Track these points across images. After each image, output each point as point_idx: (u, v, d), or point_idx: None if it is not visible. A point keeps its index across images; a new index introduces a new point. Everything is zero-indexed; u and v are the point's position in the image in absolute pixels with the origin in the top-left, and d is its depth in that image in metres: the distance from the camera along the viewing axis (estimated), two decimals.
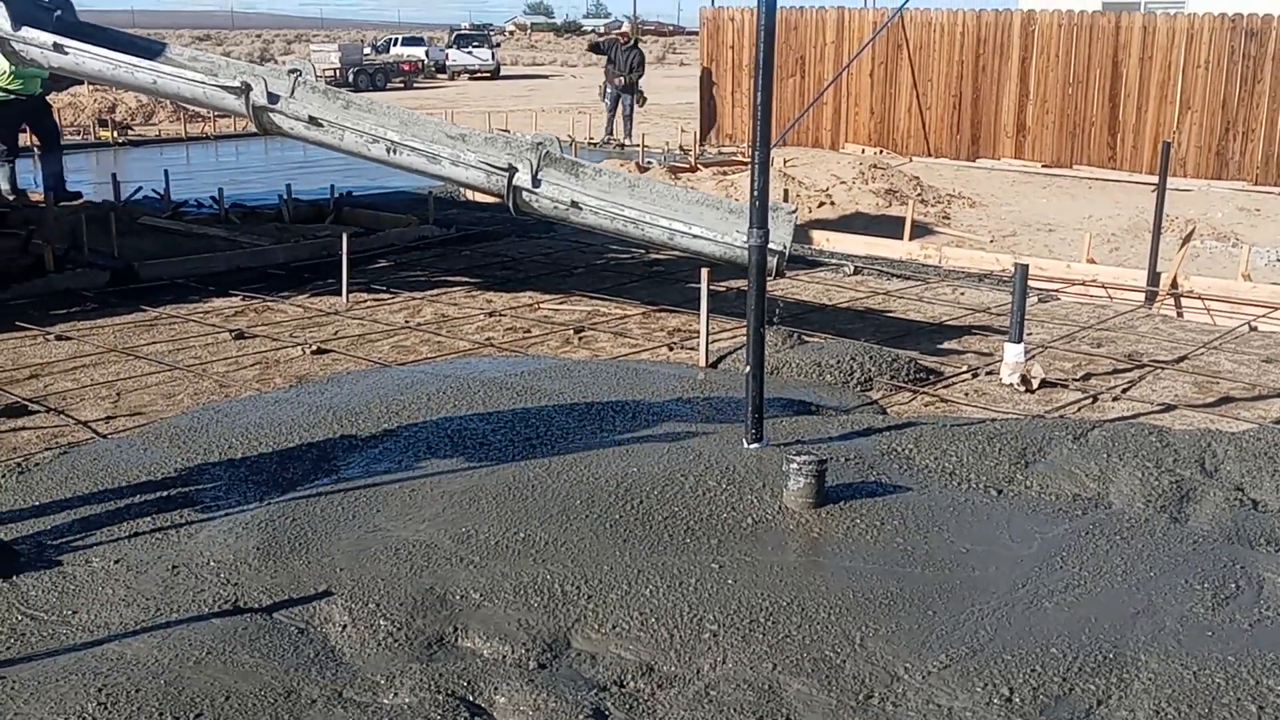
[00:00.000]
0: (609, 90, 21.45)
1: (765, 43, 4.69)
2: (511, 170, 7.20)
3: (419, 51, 50.72)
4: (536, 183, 7.22)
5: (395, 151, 7.36)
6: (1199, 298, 8.91)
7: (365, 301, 8.57)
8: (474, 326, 7.89)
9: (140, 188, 12.94)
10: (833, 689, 3.35)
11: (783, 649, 3.55)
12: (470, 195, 13.39)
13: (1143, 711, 3.23)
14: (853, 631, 3.63)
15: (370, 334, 7.64)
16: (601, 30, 27.91)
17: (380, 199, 13.48)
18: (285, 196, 12.00)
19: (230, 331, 7.57)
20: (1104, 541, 4.29)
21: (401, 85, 43.40)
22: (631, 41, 21.88)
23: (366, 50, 49.27)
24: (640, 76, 21.46)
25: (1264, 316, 8.40)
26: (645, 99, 22.05)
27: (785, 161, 16.90)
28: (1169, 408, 6.20)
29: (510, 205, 7.37)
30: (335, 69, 40.99)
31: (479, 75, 50.06)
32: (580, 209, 7.23)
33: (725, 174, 15.74)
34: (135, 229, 10.68)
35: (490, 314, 8.21)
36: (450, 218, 12.24)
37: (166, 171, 13.04)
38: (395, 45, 52.31)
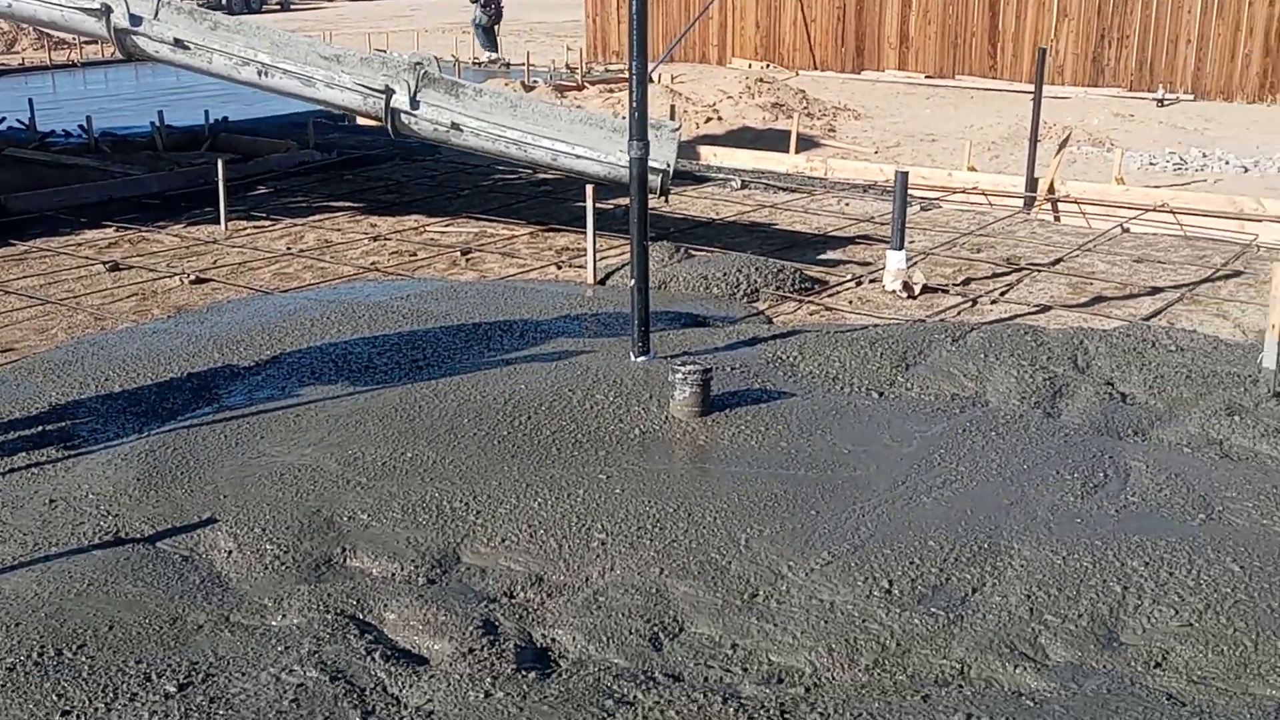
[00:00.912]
0: (490, 8, 20.63)
1: None
2: (389, 92, 7.03)
3: None
4: (415, 104, 7.07)
5: (266, 74, 7.14)
6: (1075, 202, 9.13)
7: (245, 229, 8.36)
8: (358, 251, 7.76)
9: (4, 118, 12.37)
10: (719, 589, 3.43)
11: (670, 554, 3.61)
12: (353, 119, 13.07)
13: (1015, 596, 3.37)
14: (738, 534, 3.71)
15: (251, 262, 7.47)
16: None
17: (259, 125, 13.09)
18: (158, 124, 11.59)
19: (104, 263, 7.33)
20: (980, 438, 4.42)
21: (278, 7, 41.87)
22: None
23: None
24: None
25: (1135, 218, 8.65)
26: (497, 14, 20.96)
27: (673, 78, 16.81)
28: (1045, 308, 6.38)
29: (389, 128, 7.21)
30: None
31: None
32: (461, 131, 7.11)
33: (612, 91, 15.61)
34: (0, 161, 10.24)
35: (375, 238, 8.07)
36: (332, 142, 11.96)
37: (31, 101, 12.49)
38: None
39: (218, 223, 8.31)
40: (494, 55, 20.53)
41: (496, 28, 20.74)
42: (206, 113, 12.12)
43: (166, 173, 10.04)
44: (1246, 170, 11.08)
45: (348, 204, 9.22)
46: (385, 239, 8.05)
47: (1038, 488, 4.01)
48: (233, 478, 4.09)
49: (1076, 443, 4.40)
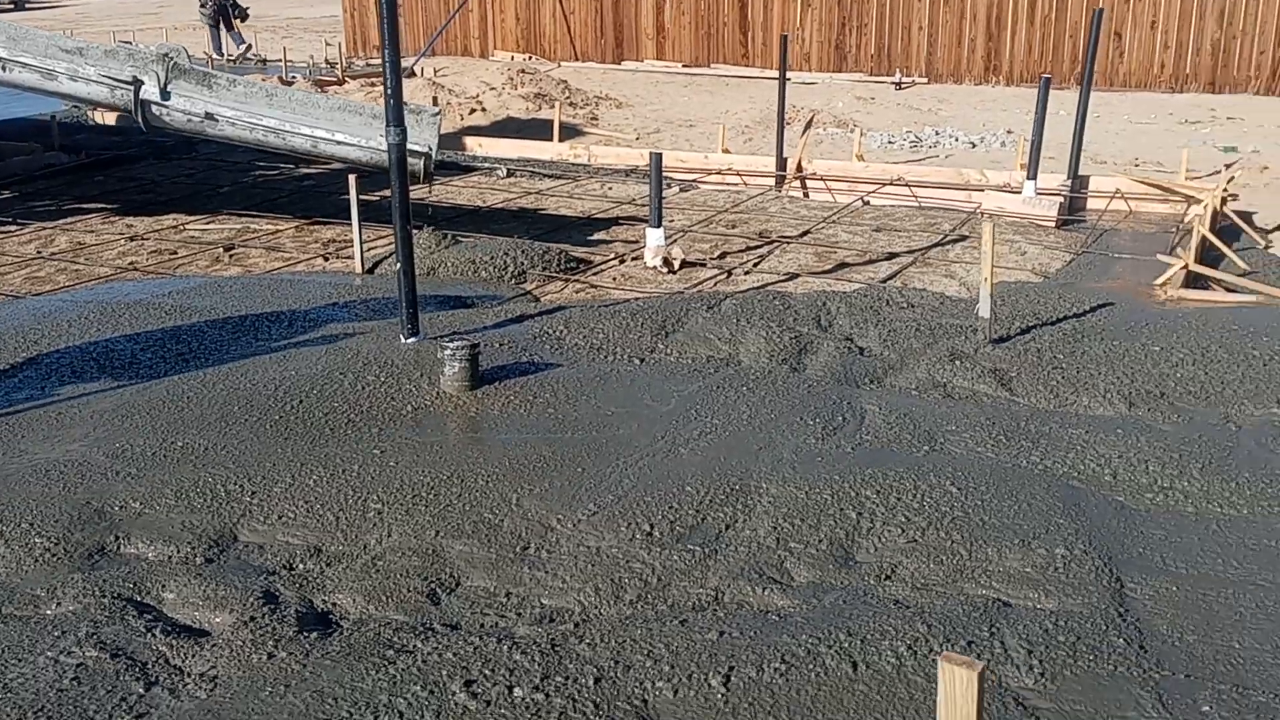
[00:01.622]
0: (208, 6, 19.41)
1: None
2: (137, 83, 6.88)
3: None
4: (166, 95, 6.94)
5: (5, 69, 6.87)
6: (821, 179, 9.70)
7: None
8: (115, 252, 7.55)
9: None
10: (492, 545, 3.62)
11: (445, 517, 3.77)
12: (100, 118, 12.57)
13: (764, 528, 3.69)
14: (509, 494, 3.90)
15: None
16: None
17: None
18: None
19: None
20: (732, 393, 4.76)
21: (11, 6, 39.46)
22: None
23: None
24: None
25: (875, 192, 9.28)
26: (245, 11, 20.13)
27: (435, 71, 16.79)
28: (793, 276, 6.82)
29: (140, 121, 7.05)
30: None
31: None
32: (217, 120, 7.03)
33: (374, 85, 15.46)
34: None
35: (131, 239, 7.86)
36: (79, 143, 11.47)
37: None
38: None
39: None
40: (243, 49, 19.87)
41: (236, 23, 19.76)
42: None
43: None
44: (974, 145, 11.98)
45: (101, 205, 8.92)
46: (143, 239, 7.86)
47: (784, 433, 4.36)
48: None
49: (819, 392, 4.79)
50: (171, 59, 6.98)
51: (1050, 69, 16.22)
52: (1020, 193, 8.61)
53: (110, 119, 12.25)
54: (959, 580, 3.40)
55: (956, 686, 1.53)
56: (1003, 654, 2.98)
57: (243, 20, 19.78)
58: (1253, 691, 2.86)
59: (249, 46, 19.70)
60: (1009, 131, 12.47)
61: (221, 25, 19.33)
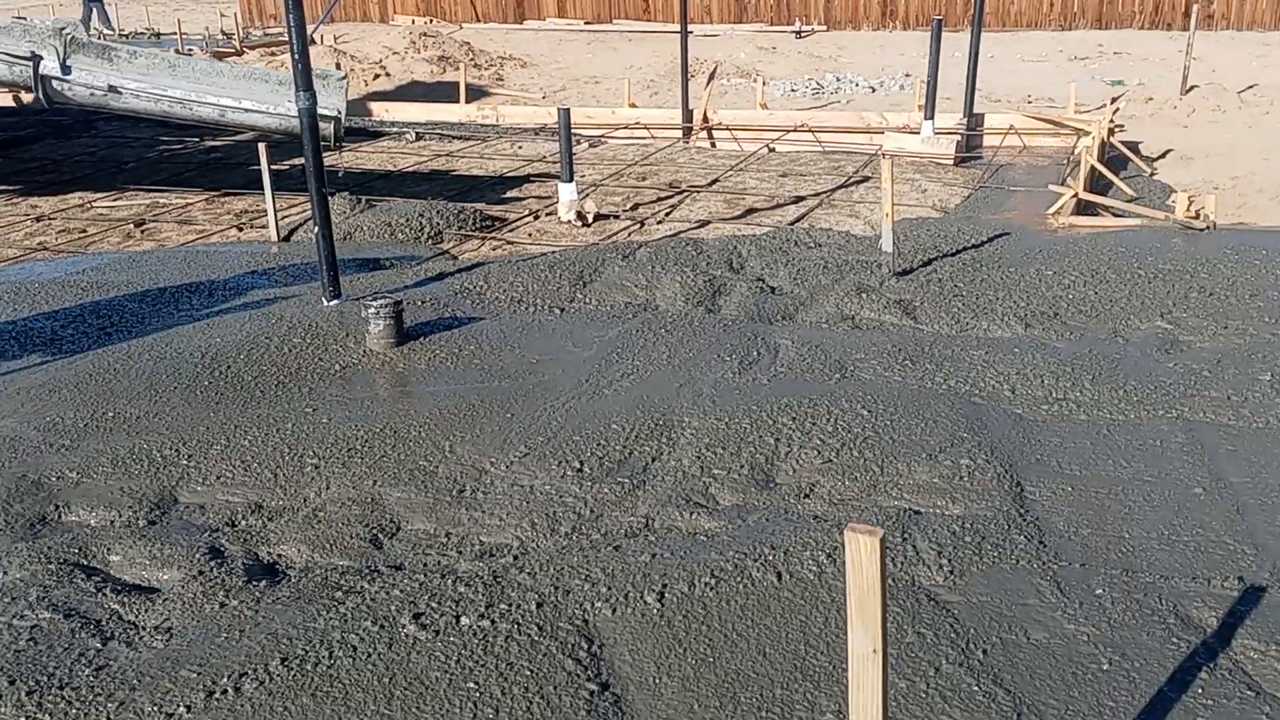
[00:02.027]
0: None
1: None
2: (36, 59, 6.81)
3: None
4: (67, 70, 6.87)
5: None
6: (727, 129, 9.88)
7: None
8: (21, 233, 7.47)
9: None
10: (429, 490, 3.76)
11: (381, 467, 3.90)
12: None
13: (688, 458, 3.87)
14: (442, 442, 4.04)
15: None
16: None
17: None
18: None
19: None
20: (651, 336, 4.93)
21: None
22: None
23: None
24: None
25: (780, 139, 9.48)
26: None
27: (336, 38, 16.63)
28: (704, 223, 7.00)
29: (41, 97, 6.98)
30: None
31: None
32: (120, 93, 6.98)
33: (274, 55, 15.31)
34: None
35: (38, 219, 7.77)
36: None
37: None
38: None
39: None
40: (105, 29, 19.16)
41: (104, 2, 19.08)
42: None
43: None
44: (874, 90, 12.25)
45: (2, 187, 8.78)
46: (49, 219, 7.77)
47: (702, 370, 4.55)
48: None
49: (734, 330, 4.98)
50: (69, 33, 6.91)
51: (944, 12, 16.57)
52: (919, 133, 8.87)
53: (5, 99, 11.99)
54: (873, 494, 3.62)
55: (862, 553, 1.71)
56: (915, 557, 3.21)
57: None
58: (1140, 574, 3.12)
59: (114, 32, 19.06)
60: (907, 75, 12.76)
61: (91, 3, 18.62)
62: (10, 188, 8.76)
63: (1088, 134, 8.45)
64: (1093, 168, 7.27)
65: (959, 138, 8.82)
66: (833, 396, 4.23)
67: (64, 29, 6.92)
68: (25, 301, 5.69)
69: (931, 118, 8.81)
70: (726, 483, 3.72)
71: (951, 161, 8.49)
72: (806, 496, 3.64)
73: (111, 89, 6.93)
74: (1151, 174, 7.94)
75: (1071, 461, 3.76)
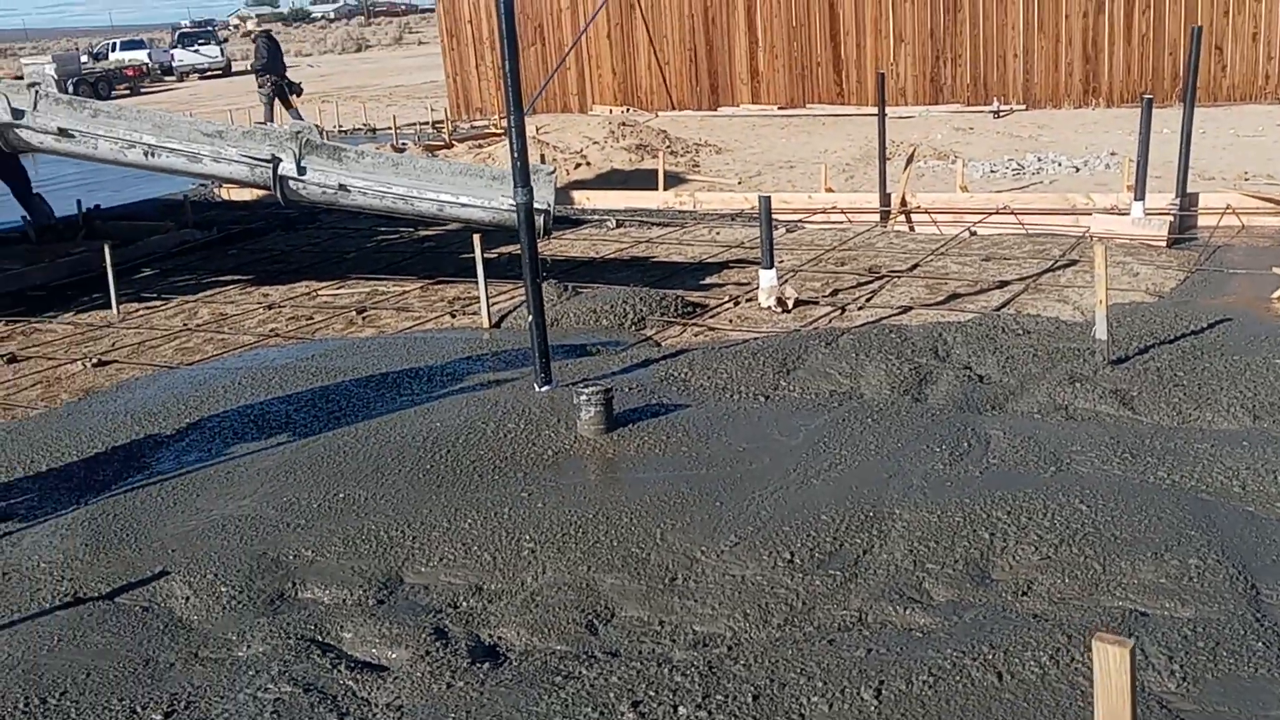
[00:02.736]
0: (266, 86, 19.36)
1: (505, 10, 5.08)
2: (275, 161, 7.35)
3: (141, 55, 48.53)
4: (302, 170, 7.39)
5: (153, 154, 7.39)
6: (925, 212, 9.82)
7: (138, 311, 8.53)
8: (255, 320, 8.00)
9: None
10: (642, 577, 3.83)
11: (594, 553, 4.00)
12: (227, 194, 13.24)
13: (899, 551, 3.84)
14: (653, 529, 4.12)
15: (150, 340, 7.66)
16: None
17: (132, 210, 13.16)
18: (28, 218, 11.61)
19: (1, 357, 7.45)
20: (858, 425, 4.92)
21: (128, 91, 41.54)
22: (261, 33, 20.07)
23: (84, 59, 46.83)
24: (268, 66, 19.28)
25: (981, 222, 9.37)
26: (299, 87, 20.05)
27: (538, 129, 17.28)
28: (906, 309, 6.96)
29: (279, 195, 7.51)
30: (55, 81, 38.85)
31: (210, 74, 48.33)
32: (349, 191, 7.46)
33: (481, 147, 16.02)
34: None
35: (269, 307, 8.32)
36: (210, 219, 12.11)
37: None
38: (114, 51, 49.95)
39: (109, 307, 8.45)
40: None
41: (294, 99, 19.69)
42: (79, 202, 12.15)
43: (47, 264, 10.10)
44: (1078, 170, 11.97)
45: (237, 277, 9.44)
46: (279, 306, 8.31)
47: (911, 461, 4.51)
48: (177, 534, 4.36)
49: (942, 420, 4.92)
50: (304, 136, 7.44)
51: (1150, 88, 16.10)
52: (1128, 214, 8.63)
53: (238, 194, 12.91)
54: (1095, 593, 3.51)
55: (1111, 663, 1.69)
56: (1144, 660, 3.09)
57: (298, 95, 20.01)
58: None
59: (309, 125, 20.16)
60: (1112, 153, 12.43)
61: (278, 102, 19.46)
62: (244, 277, 9.41)
63: None
64: None
65: (1171, 218, 8.54)
66: (1049, 490, 4.13)
67: (300, 132, 7.47)
68: (261, 386, 6.08)
69: (1142, 198, 8.56)
70: (940, 578, 3.67)
71: (1164, 243, 8.22)
72: (1024, 594, 3.55)
73: (341, 187, 7.41)
74: None
75: None
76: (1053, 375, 5.38)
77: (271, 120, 19.56)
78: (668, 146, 14.97)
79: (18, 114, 7.32)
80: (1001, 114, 16.83)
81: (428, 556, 4.08)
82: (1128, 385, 5.20)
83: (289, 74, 19.86)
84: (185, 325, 7.99)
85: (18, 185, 12.10)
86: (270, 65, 19.11)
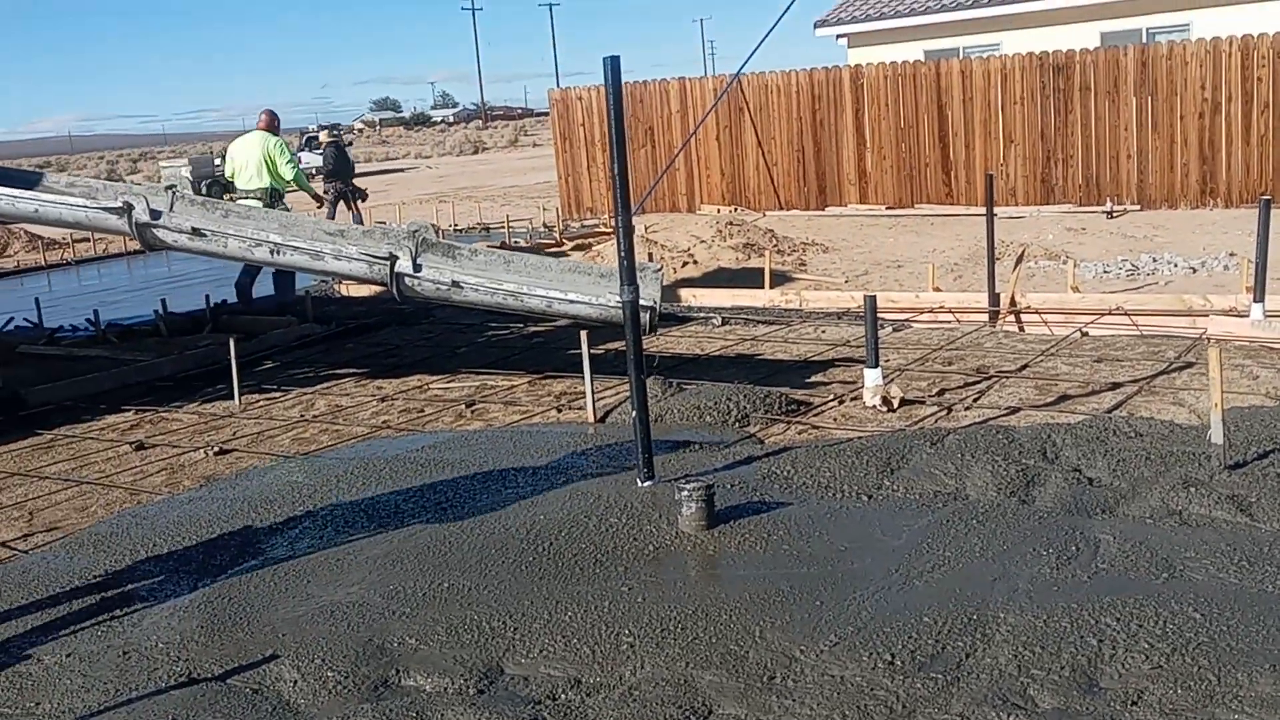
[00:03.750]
0: (330, 192, 19.96)
1: (615, 118, 5.25)
2: (392, 259, 7.62)
3: (226, 155, 50.52)
4: (417, 268, 7.65)
5: (279, 252, 7.73)
6: (1036, 312, 9.72)
7: (258, 402, 8.83)
8: (368, 412, 8.23)
9: (11, 318, 12.94)
10: (740, 675, 3.81)
11: (693, 649, 4.00)
12: (346, 290, 13.70)
13: (1004, 656, 3.77)
14: (752, 627, 4.10)
15: (268, 430, 7.92)
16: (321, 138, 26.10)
17: (256, 304, 13.68)
18: (160, 312, 12.17)
19: (130, 444, 7.77)
20: (963, 526, 4.86)
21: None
22: (330, 142, 21.10)
23: (217, 161, 49.06)
24: (335, 171, 20.20)
25: (1093, 322, 9.23)
26: (364, 193, 20.78)
27: (647, 228, 17.60)
28: (1014, 410, 6.87)
29: (394, 292, 7.77)
30: (191, 182, 40.76)
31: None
32: (461, 288, 7.68)
33: (590, 245, 16.36)
34: (14, 358, 10.75)
35: (382, 399, 8.55)
36: (329, 314, 12.53)
37: (37, 299, 13.08)
38: None
39: (232, 398, 8.77)
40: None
41: (356, 204, 20.07)
42: (207, 297, 12.70)
43: (176, 356, 10.54)
44: (1194, 271, 11.76)
45: (352, 370, 9.73)
46: (392, 399, 8.53)
47: (1017, 564, 4.43)
48: (287, 618, 4.47)
49: (1049, 523, 4.83)
50: (420, 234, 7.72)
51: (1270, 188, 15.81)
52: (1247, 316, 8.43)
53: (354, 290, 13.34)
54: (1209, 706, 3.40)
55: None
56: None
57: (363, 200, 20.62)
58: None
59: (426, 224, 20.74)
60: (1231, 254, 12.19)
61: (341, 206, 19.99)
62: (359, 370, 9.69)
63: None
64: None
65: None
66: (1160, 597, 4.02)
67: (416, 230, 7.75)
68: (372, 476, 6.24)
69: (1261, 300, 8.36)
70: (1046, 684, 3.59)
71: None
72: (1134, 704, 3.45)
73: (454, 284, 7.65)
74: None
75: None
76: (1166, 479, 5.26)
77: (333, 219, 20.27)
78: (774, 245, 15.11)
79: (155, 214, 7.73)
80: (1115, 214, 16.64)
81: (528, 648, 4.12)
82: (1245, 491, 5.05)
83: (355, 181, 20.81)
84: (302, 416, 8.25)
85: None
86: (337, 171, 20.17)
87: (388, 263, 7.62)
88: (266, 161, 12.63)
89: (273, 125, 12.91)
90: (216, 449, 7.42)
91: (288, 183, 12.88)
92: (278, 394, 9.03)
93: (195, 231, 7.73)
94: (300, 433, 7.80)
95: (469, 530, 5.22)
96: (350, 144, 59.55)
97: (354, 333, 11.64)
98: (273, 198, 12.68)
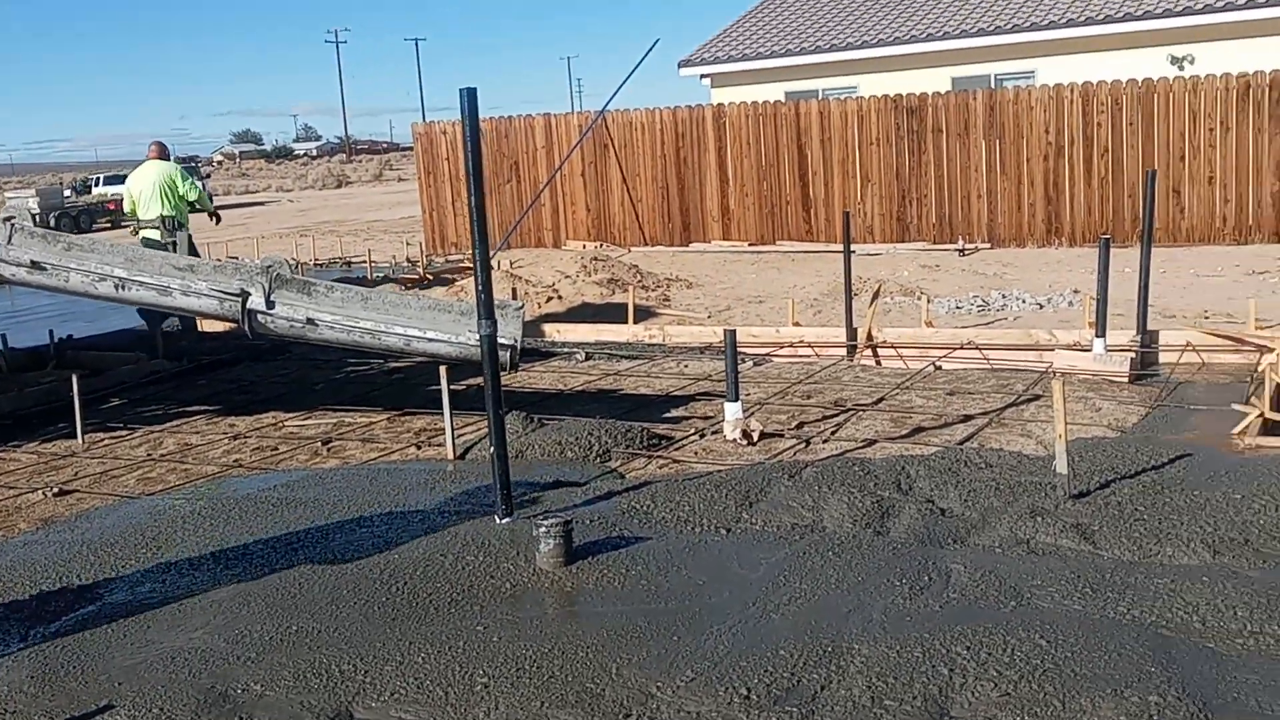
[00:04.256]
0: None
1: (472, 150, 5.19)
2: (244, 295, 7.40)
3: (124, 189, 49.26)
4: (271, 304, 7.44)
5: (124, 287, 7.43)
6: (892, 346, 9.94)
7: (103, 440, 8.47)
8: (219, 450, 7.96)
9: None
10: (596, 714, 3.75)
11: (549, 688, 3.93)
12: (201, 325, 13.28)
13: (858, 688, 3.79)
14: (609, 664, 4.05)
15: (113, 470, 7.59)
16: None
17: (104, 340, 13.16)
18: (0, 347, 11.60)
19: None
20: (819, 558, 4.90)
21: (108, 225, 41.89)
22: None
23: (66, 192, 47.45)
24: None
25: (946, 356, 9.48)
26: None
27: (512, 263, 17.52)
28: (870, 442, 6.99)
29: (246, 329, 7.55)
30: (35, 214, 39.22)
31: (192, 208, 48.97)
32: (317, 325, 7.50)
33: (454, 280, 16.20)
34: None
35: (234, 437, 8.28)
36: (181, 349, 12.11)
37: None
38: (97, 185, 50.61)
39: (74, 437, 8.39)
40: None
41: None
42: (51, 332, 12.16)
43: (15, 393, 10.06)
44: (1041, 307, 12.19)
45: (204, 407, 9.41)
46: (245, 437, 8.27)
47: (872, 595, 4.48)
48: (125, 666, 4.26)
49: (903, 554, 4.91)
50: (275, 270, 7.51)
51: (1111, 228, 16.53)
52: (1090, 350, 8.76)
53: (208, 325, 12.94)
54: None
55: None
56: None
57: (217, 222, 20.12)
58: None
59: (281, 259, 20.24)
60: (1075, 291, 12.68)
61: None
62: (211, 408, 9.38)
63: (1271, 350, 8.20)
64: (1278, 386, 7.02)
65: (1133, 355, 8.67)
66: (1009, 625, 4.10)
67: (270, 266, 7.54)
68: (221, 517, 6.02)
69: (1103, 335, 8.71)
70: (899, 715, 3.61)
71: (1126, 379, 8.33)
72: None
73: (309, 321, 7.46)
74: None
75: (1273, 701, 3.54)
76: (1014, 509, 5.39)
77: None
78: (639, 281, 15.18)
79: None
80: (967, 252, 17.19)
81: (379, 691, 4.00)
82: (1089, 519, 5.21)
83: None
84: (149, 455, 7.93)
85: None
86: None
87: (239, 299, 7.40)
88: (164, 188, 12.81)
89: (164, 153, 13.30)
90: (56, 490, 7.07)
91: (193, 204, 13.18)
92: (124, 432, 8.68)
93: (35, 265, 7.39)
94: (147, 472, 7.50)
95: (320, 571, 5.06)
96: (209, 176, 58.24)
97: (207, 369, 11.28)
98: (174, 225, 12.92)
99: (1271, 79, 16.33)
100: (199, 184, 13.65)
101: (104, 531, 5.97)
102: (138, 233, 13.32)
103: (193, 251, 13.31)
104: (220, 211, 20.80)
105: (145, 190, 12.91)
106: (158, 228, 12.90)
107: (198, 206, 13.51)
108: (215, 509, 6.15)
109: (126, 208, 13.61)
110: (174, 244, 13.26)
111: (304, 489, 6.52)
